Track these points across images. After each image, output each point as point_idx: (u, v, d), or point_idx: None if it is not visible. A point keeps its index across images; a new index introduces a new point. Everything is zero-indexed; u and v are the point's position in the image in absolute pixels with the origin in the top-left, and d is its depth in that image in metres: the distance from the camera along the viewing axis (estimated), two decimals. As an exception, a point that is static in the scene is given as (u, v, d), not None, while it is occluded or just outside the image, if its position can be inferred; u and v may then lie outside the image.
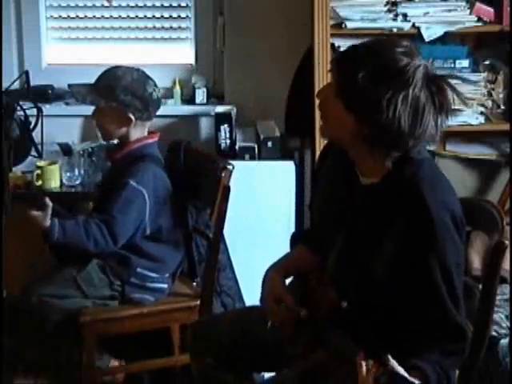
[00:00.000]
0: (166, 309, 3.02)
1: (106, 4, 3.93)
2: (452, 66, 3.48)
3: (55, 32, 3.99)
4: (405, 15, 3.44)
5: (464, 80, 2.09)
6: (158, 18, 3.96)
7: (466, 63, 3.50)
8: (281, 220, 3.49)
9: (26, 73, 3.75)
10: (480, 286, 2.17)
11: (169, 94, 3.90)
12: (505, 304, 2.58)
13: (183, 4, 3.94)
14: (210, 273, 3.01)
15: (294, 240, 2.38)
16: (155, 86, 3.01)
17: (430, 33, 3.43)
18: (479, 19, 3.45)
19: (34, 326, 2.89)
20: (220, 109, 3.70)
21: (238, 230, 3.37)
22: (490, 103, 3.53)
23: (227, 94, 3.89)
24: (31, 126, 3.58)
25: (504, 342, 2.52)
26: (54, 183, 3.60)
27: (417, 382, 1.75)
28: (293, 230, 3.50)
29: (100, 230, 2.83)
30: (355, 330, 2.06)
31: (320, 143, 3.41)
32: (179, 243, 3.07)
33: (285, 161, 3.54)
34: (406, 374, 1.74)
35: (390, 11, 3.45)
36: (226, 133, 3.59)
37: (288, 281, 2.27)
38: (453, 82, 2.00)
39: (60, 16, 3.98)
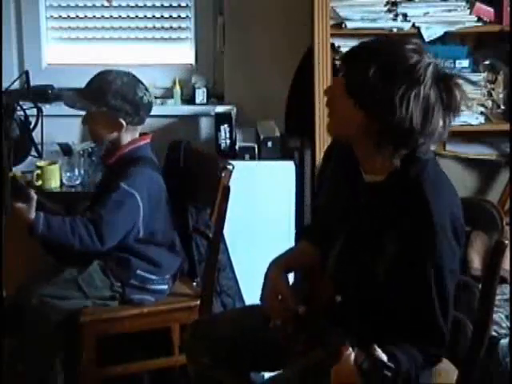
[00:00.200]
0: (165, 309, 3.02)
1: (106, 4, 3.93)
2: (452, 66, 3.48)
3: (55, 32, 3.99)
4: (405, 15, 3.44)
5: (466, 80, 2.09)
6: (158, 18, 3.96)
7: (466, 63, 3.50)
8: (281, 220, 3.49)
9: (26, 73, 3.74)
10: (480, 286, 2.17)
11: (169, 93, 3.91)
12: (505, 304, 2.58)
13: (183, 4, 3.94)
14: (209, 273, 3.02)
15: (300, 235, 2.38)
16: (146, 89, 2.99)
17: (429, 33, 3.43)
18: (479, 19, 3.45)
19: (35, 326, 2.89)
20: (220, 109, 3.70)
21: (238, 230, 3.37)
22: (489, 103, 3.53)
23: (227, 94, 3.89)
24: (31, 126, 3.58)
25: (504, 342, 2.52)
26: (54, 183, 3.60)
27: (392, 366, 1.77)
28: (293, 230, 3.50)
29: (86, 228, 2.82)
30: (348, 325, 2.07)
31: (320, 143, 3.41)
32: (175, 245, 3.06)
33: (285, 161, 3.54)
34: (386, 362, 1.76)
35: (390, 11, 3.45)
36: (226, 133, 3.59)
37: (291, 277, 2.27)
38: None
39: (60, 16, 3.97)
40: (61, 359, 2.97)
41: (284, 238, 3.41)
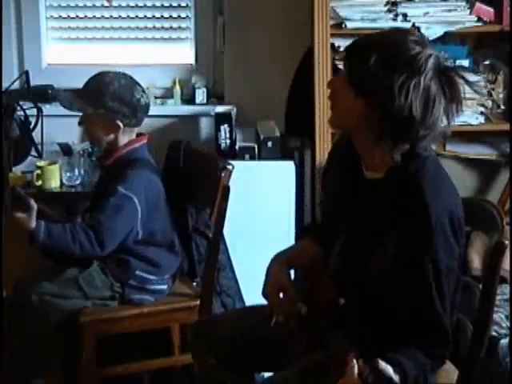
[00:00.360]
0: (165, 309, 3.02)
1: (106, 4, 3.93)
2: (452, 66, 3.47)
3: (55, 32, 3.99)
4: (405, 15, 3.44)
5: (466, 81, 2.09)
6: (158, 18, 3.96)
7: (466, 63, 3.50)
8: (281, 220, 3.49)
9: (26, 73, 3.75)
10: (480, 286, 2.17)
11: (169, 94, 3.91)
12: (505, 304, 2.58)
13: (183, 4, 3.94)
14: (209, 273, 3.02)
15: (305, 232, 2.38)
16: (143, 91, 2.98)
17: (429, 33, 3.43)
18: (479, 19, 3.45)
19: (34, 325, 2.89)
20: (220, 109, 3.70)
21: (238, 230, 3.37)
22: (489, 103, 3.53)
23: (227, 94, 3.89)
24: (31, 126, 3.59)
25: (504, 342, 2.52)
26: (54, 183, 3.59)
27: (397, 378, 1.76)
28: (293, 230, 3.50)
29: (87, 235, 2.81)
30: (350, 327, 2.07)
31: (320, 143, 3.41)
32: (175, 245, 3.06)
33: (285, 161, 3.54)
34: (392, 374, 1.75)
35: (390, 11, 3.45)
36: (226, 133, 3.59)
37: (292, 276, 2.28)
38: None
39: (60, 16, 3.98)
40: (61, 359, 2.98)
41: (284, 238, 3.41)
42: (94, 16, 3.96)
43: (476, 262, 2.40)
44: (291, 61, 3.69)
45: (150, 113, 3.05)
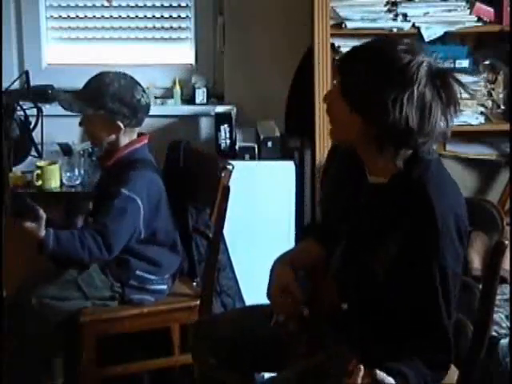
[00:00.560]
0: (165, 309, 3.02)
1: (106, 4, 3.93)
2: (452, 66, 3.47)
3: (55, 32, 3.99)
4: (405, 15, 3.44)
5: (463, 73, 2.07)
6: (158, 18, 3.96)
7: (465, 63, 3.50)
8: (281, 220, 3.49)
9: (26, 73, 3.75)
10: (480, 286, 2.16)
11: (169, 94, 3.91)
12: (505, 304, 2.58)
13: (183, 4, 3.94)
14: (209, 273, 3.02)
15: (305, 233, 2.38)
16: (143, 91, 2.97)
17: (429, 33, 3.43)
18: (479, 19, 3.45)
19: (34, 328, 2.89)
20: (220, 109, 3.70)
21: (238, 230, 3.37)
22: (489, 103, 3.53)
23: (227, 94, 3.89)
24: (31, 126, 3.59)
25: (504, 341, 2.52)
26: (54, 183, 3.60)
27: None
28: (293, 230, 3.50)
29: (95, 240, 2.81)
30: (351, 328, 2.07)
31: (320, 143, 3.41)
32: (177, 245, 3.06)
33: (285, 161, 3.54)
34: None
35: (390, 11, 3.45)
36: (226, 133, 3.59)
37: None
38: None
39: (60, 16, 3.98)
40: (61, 359, 2.98)
41: (284, 238, 3.42)
42: (94, 16, 3.96)
43: (476, 262, 2.40)
44: (291, 61, 3.69)
45: (150, 113, 3.04)
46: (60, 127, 3.74)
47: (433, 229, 1.95)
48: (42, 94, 3.80)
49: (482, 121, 3.54)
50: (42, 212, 2.76)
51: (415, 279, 1.98)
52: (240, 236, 3.41)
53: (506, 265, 2.22)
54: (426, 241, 1.96)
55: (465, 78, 3.41)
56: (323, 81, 3.36)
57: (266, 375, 2.55)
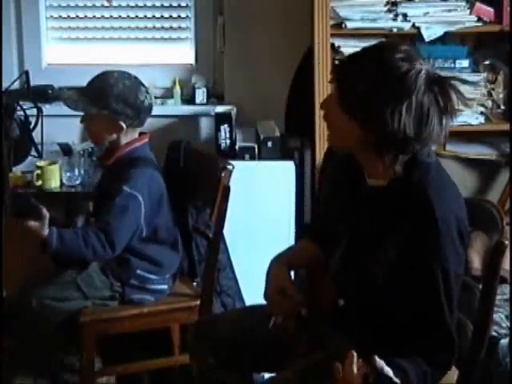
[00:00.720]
0: (165, 309, 3.02)
1: (106, 4, 3.93)
2: (452, 65, 3.48)
3: (55, 32, 3.99)
4: (405, 15, 3.44)
5: (463, 81, 2.07)
6: (158, 18, 3.96)
7: (466, 63, 3.50)
8: (281, 220, 3.49)
9: (26, 73, 3.75)
10: (480, 286, 2.16)
11: (169, 94, 3.91)
12: (505, 304, 2.58)
13: (183, 4, 3.94)
14: (209, 273, 3.02)
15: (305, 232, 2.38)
16: (147, 92, 2.98)
17: (429, 33, 3.43)
18: (479, 19, 3.45)
19: (34, 328, 2.89)
20: (220, 109, 3.70)
21: (238, 230, 3.37)
22: (489, 103, 3.53)
23: (227, 94, 3.89)
24: (31, 126, 3.59)
25: (504, 341, 2.52)
26: (54, 183, 3.60)
27: (398, 381, 1.75)
28: (293, 230, 3.50)
29: (98, 238, 2.81)
30: (350, 329, 2.07)
31: (320, 143, 3.41)
32: (177, 244, 3.07)
33: (285, 161, 3.54)
34: (392, 375, 1.74)
35: (390, 11, 3.45)
36: (226, 133, 3.59)
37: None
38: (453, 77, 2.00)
39: (60, 16, 3.98)
40: (61, 359, 2.98)
41: (284, 238, 3.42)
42: (94, 16, 3.96)
43: (476, 262, 2.40)
44: (291, 61, 3.69)
45: (150, 115, 3.05)
46: (60, 127, 3.75)
47: (434, 231, 1.94)
48: (42, 94, 3.80)
49: (482, 121, 3.54)
50: (45, 211, 2.77)
51: (417, 281, 1.97)
52: (240, 236, 3.41)
53: (506, 265, 2.22)
54: (428, 243, 1.96)
55: (465, 78, 3.41)
56: (323, 81, 3.36)
57: (266, 375, 2.55)
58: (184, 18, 3.95)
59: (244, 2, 3.80)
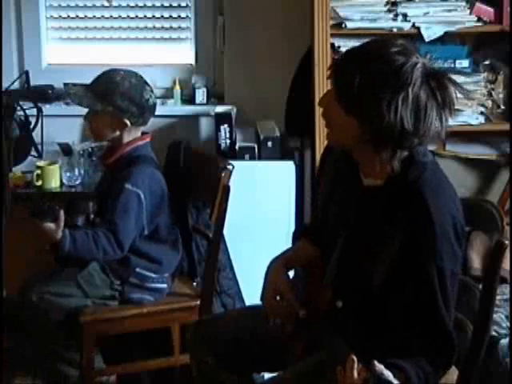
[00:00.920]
0: (165, 309, 3.03)
1: (106, 4, 3.93)
2: (452, 65, 3.47)
3: (55, 32, 3.99)
4: (405, 15, 3.44)
5: (463, 73, 2.06)
6: (157, 18, 3.96)
7: (466, 63, 3.50)
8: (281, 220, 3.49)
9: (26, 73, 3.75)
10: (480, 286, 2.17)
11: (169, 94, 3.90)
12: (505, 304, 2.58)
13: (183, 4, 3.94)
14: (209, 273, 3.02)
15: (296, 237, 2.38)
16: (151, 91, 3.01)
17: (429, 33, 3.43)
18: (479, 19, 3.45)
19: (34, 322, 2.89)
20: (220, 109, 3.70)
21: (238, 230, 3.36)
22: (489, 103, 3.53)
23: (227, 94, 3.89)
24: (31, 126, 3.59)
25: (504, 341, 2.52)
26: (54, 183, 3.60)
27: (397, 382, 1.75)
28: (293, 229, 3.49)
29: (108, 239, 2.84)
30: (348, 330, 2.07)
31: (320, 143, 3.41)
32: (178, 243, 3.07)
33: (285, 161, 3.54)
34: (392, 379, 1.74)
35: (390, 11, 3.44)
36: (225, 133, 3.59)
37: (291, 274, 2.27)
38: (453, 76, 2.00)
39: (60, 16, 3.97)
40: (61, 354, 2.98)
41: (284, 238, 3.40)
42: (94, 16, 3.96)
43: (476, 262, 2.40)
44: (291, 61, 3.69)
45: (154, 114, 3.06)
46: (60, 127, 3.75)
47: (429, 229, 1.95)
48: (42, 94, 3.80)
49: (482, 121, 3.54)
50: (62, 214, 2.78)
51: (413, 280, 1.98)
52: (240, 236, 3.41)
53: (506, 265, 2.22)
54: (423, 242, 1.96)
55: (465, 78, 3.42)
56: (323, 81, 3.36)
57: (266, 375, 2.55)
58: (184, 18, 3.95)
59: (244, 2, 3.80)
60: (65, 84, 3.06)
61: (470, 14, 3.44)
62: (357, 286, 2.07)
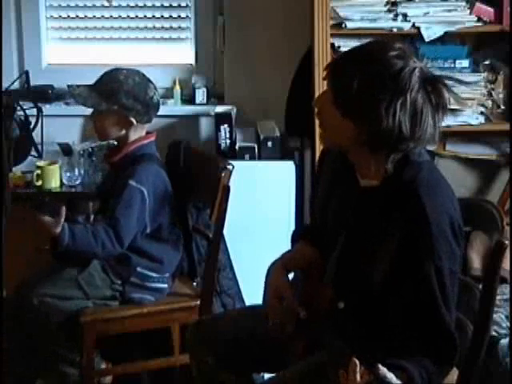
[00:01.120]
0: (165, 309, 3.03)
1: (106, 4, 3.93)
2: (452, 65, 3.48)
3: (55, 32, 3.99)
4: (405, 15, 3.44)
5: (460, 82, 2.06)
6: (157, 18, 3.96)
7: (466, 63, 3.50)
8: (281, 220, 3.49)
9: (26, 73, 3.75)
10: (480, 286, 2.17)
11: (169, 94, 3.90)
12: (505, 304, 2.58)
13: (183, 4, 3.94)
14: (209, 273, 3.02)
15: (295, 238, 2.38)
16: (155, 88, 3.02)
17: (429, 33, 3.43)
18: (479, 19, 3.45)
19: (35, 326, 2.89)
20: (220, 109, 3.70)
21: (238, 230, 3.36)
22: (489, 103, 3.53)
23: (227, 94, 3.89)
24: (31, 126, 3.59)
25: (504, 341, 2.52)
26: (54, 183, 3.60)
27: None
28: (293, 229, 3.49)
29: (107, 234, 2.84)
30: (349, 331, 2.07)
31: (320, 143, 3.41)
32: (179, 243, 3.08)
33: (285, 161, 3.54)
34: (395, 381, 1.74)
35: (390, 11, 3.44)
36: (225, 133, 3.59)
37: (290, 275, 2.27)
38: (450, 83, 2.00)
39: (60, 16, 3.97)
40: (61, 359, 2.97)
41: (284, 238, 3.38)
42: (94, 16, 3.96)
43: (476, 262, 2.41)
44: (291, 61, 3.69)
45: (158, 112, 3.06)
46: (60, 127, 3.75)
47: (426, 229, 1.95)
48: (42, 94, 3.80)
49: (482, 121, 3.53)
50: (63, 209, 2.79)
51: (412, 280, 1.98)
52: (240, 236, 3.41)
53: (506, 265, 2.22)
54: (420, 242, 1.96)
55: (465, 78, 3.42)
56: (323, 81, 3.35)
57: (266, 375, 2.55)
58: (184, 18, 3.95)
59: (244, 2, 3.80)
60: (68, 86, 3.07)
61: (470, 14, 3.44)
62: (357, 285, 2.07)
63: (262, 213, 3.50)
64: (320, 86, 3.37)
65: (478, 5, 3.43)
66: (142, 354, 3.14)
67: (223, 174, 2.97)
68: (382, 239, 2.00)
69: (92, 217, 3.24)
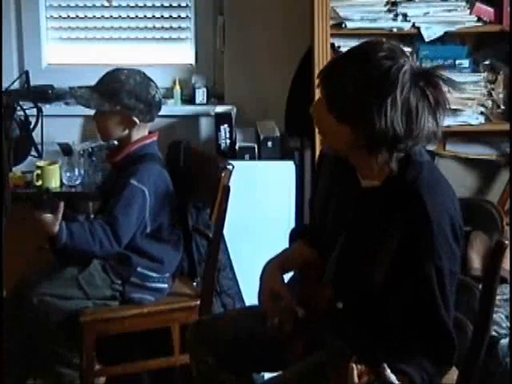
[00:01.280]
0: (165, 309, 3.02)
1: (106, 4, 3.93)
2: (452, 66, 3.48)
3: (55, 32, 3.99)
4: (405, 15, 3.44)
5: (454, 85, 2.05)
6: (157, 18, 3.96)
7: (466, 63, 3.50)
8: (281, 220, 3.49)
9: (26, 73, 3.75)
10: (480, 286, 2.17)
11: (169, 94, 3.90)
12: (505, 304, 2.58)
13: (183, 4, 3.94)
14: (209, 273, 3.02)
15: (293, 236, 2.38)
16: (156, 87, 3.03)
17: (429, 33, 3.43)
18: (479, 19, 3.45)
19: (34, 325, 2.89)
20: (220, 109, 3.70)
21: (238, 230, 3.37)
22: (489, 103, 3.53)
23: (227, 94, 3.89)
24: (31, 126, 3.59)
25: (504, 341, 2.52)
26: (54, 183, 3.60)
27: None
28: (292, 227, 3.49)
29: (105, 232, 2.84)
30: (348, 331, 2.07)
31: (320, 143, 3.41)
32: (180, 243, 3.08)
33: (285, 161, 3.54)
34: (396, 383, 1.74)
35: (390, 11, 3.44)
36: (225, 133, 3.59)
37: (288, 276, 2.27)
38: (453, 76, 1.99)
39: (60, 16, 3.98)
40: (61, 359, 2.97)
41: (284, 238, 3.38)
42: (94, 16, 3.96)
43: (476, 262, 2.40)
44: (291, 61, 3.69)
45: (160, 111, 3.07)
46: (60, 127, 3.75)
47: (427, 229, 1.95)
48: (42, 94, 3.80)
49: (482, 121, 3.53)
50: (62, 205, 2.79)
51: (412, 280, 1.98)
52: (240, 236, 3.41)
53: (506, 265, 2.22)
54: (421, 241, 1.96)
55: (465, 78, 3.42)
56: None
57: (266, 375, 2.55)
58: (184, 18, 3.95)
59: (244, 2, 3.80)
60: (70, 87, 3.07)
61: (470, 14, 3.44)
62: (356, 285, 2.07)
63: (262, 213, 3.50)
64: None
65: (477, 5, 3.43)
66: (141, 353, 3.14)
67: (223, 174, 2.97)
68: (382, 240, 2.00)
69: (92, 217, 3.24)
